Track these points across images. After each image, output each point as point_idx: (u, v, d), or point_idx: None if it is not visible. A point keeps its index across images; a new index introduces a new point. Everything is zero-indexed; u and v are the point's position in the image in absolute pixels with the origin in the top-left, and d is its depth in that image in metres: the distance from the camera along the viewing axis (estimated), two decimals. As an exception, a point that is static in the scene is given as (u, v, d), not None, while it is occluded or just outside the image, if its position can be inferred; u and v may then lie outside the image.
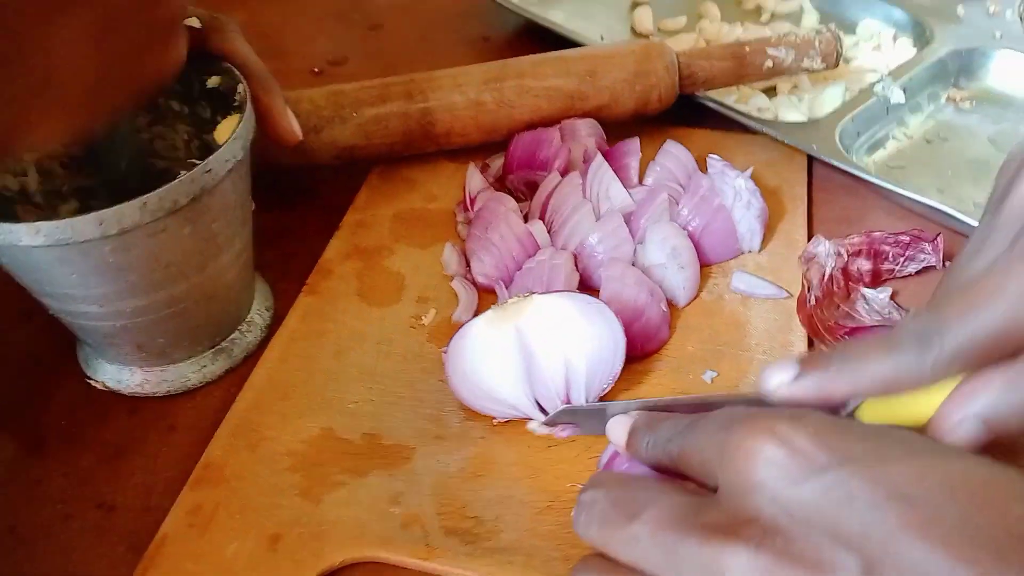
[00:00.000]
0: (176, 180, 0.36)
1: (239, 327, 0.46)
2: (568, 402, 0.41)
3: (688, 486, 0.29)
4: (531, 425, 0.40)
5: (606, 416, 0.37)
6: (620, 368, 0.41)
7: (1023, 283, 0.26)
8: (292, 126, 0.44)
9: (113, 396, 0.44)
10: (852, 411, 0.30)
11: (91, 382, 0.45)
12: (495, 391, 0.41)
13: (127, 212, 0.35)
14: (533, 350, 0.40)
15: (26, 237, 0.34)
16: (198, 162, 0.37)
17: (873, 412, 0.29)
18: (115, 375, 0.44)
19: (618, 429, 0.34)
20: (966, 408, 0.28)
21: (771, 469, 0.25)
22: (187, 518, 0.38)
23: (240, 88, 0.41)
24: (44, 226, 0.34)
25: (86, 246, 0.35)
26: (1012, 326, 0.26)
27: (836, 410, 0.30)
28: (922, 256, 0.48)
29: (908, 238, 0.48)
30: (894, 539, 0.23)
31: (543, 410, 0.41)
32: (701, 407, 0.33)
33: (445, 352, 0.42)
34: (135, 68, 0.30)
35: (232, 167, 0.38)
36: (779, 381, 0.29)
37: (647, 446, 0.32)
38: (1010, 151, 0.32)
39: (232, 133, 0.38)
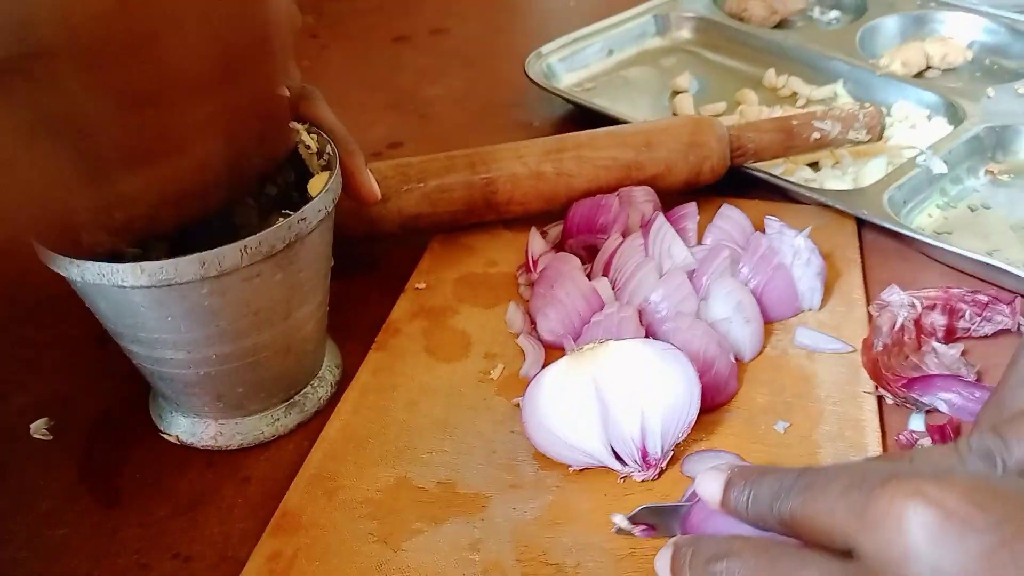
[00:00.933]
0: (275, 226, 0.37)
1: (311, 382, 0.47)
2: (644, 450, 0.41)
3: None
4: (615, 519, 0.37)
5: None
6: (695, 416, 0.41)
7: None
8: (372, 186, 0.46)
9: (187, 450, 0.45)
10: None
11: (165, 436, 0.45)
12: (571, 438, 0.41)
13: (227, 254, 0.36)
14: (608, 396, 0.41)
15: (130, 277, 0.36)
16: (290, 213, 0.39)
17: None
18: (189, 428, 0.45)
19: (711, 484, 0.32)
20: None
21: (926, 534, 0.24)
22: (267, 564, 0.38)
23: (329, 148, 0.43)
24: (148, 266, 0.36)
25: (185, 288, 0.37)
26: None
27: None
28: (999, 318, 0.48)
29: (986, 298, 0.48)
30: None
31: (619, 458, 0.41)
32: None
33: (520, 400, 0.42)
34: (255, 155, 0.31)
35: (322, 218, 0.40)
36: None
37: (748, 502, 0.30)
38: None
39: (324, 186, 0.40)
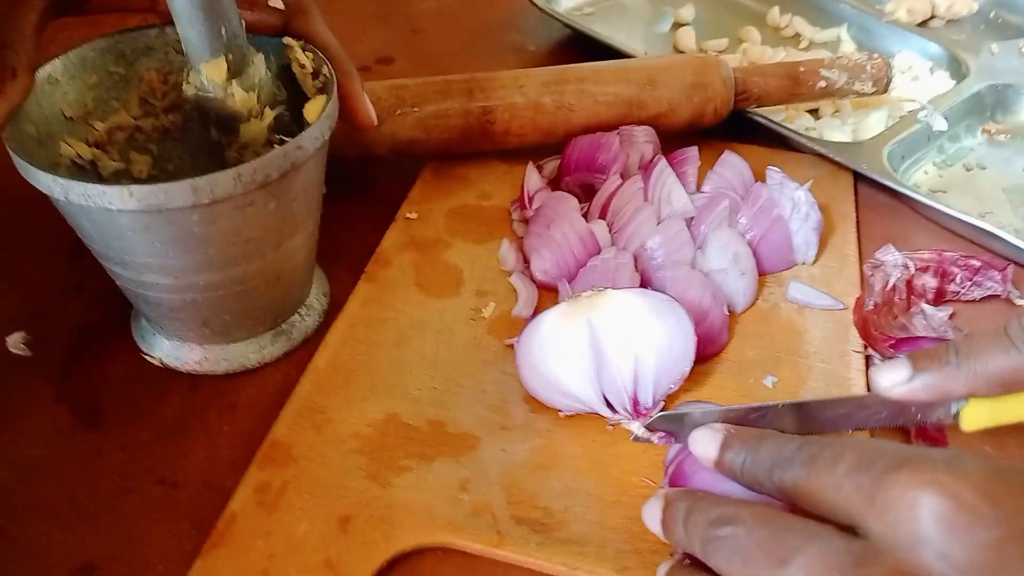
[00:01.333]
0: (270, 154, 0.36)
1: (298, 311, 0.46)
2: (636, 399, 0.41)
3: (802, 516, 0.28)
4: (632, 427, 0.39)
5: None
6: (689, 368, 0.41)
7: None
8: (369, 111, 0.44)
9: (171, 372, 0.44)
10: (956, 412, 0.30)
11: (148, 358, 0.44)
12: (563, 384, 0.41)
13: (220, 181, 0.35)
14: (604, 345, 0.41)
15: (117, 200, 0.34)
16: (287, 139, 0.37)
17: (977, 413, 0.30)
18: (173, 352, 0.44)
19: (706, 443, 0.32)
20: None
21: (938, 524, 0.24)
22: (255, 496, 0.37)
23: (325, 69, 0.41)
24: (137, 190, 0.34)
25: (175, 214, 0.35)
26: None
27: (940, 408, 0.30)
28: (989, 284, 0.49)
29: (979, 263, 0.49)
30: None
31: (610, 406, 0.41)
32: (802, 414, 0.33)
33: (515, 342, 0.42)
34: None
35: (319, 146, 0.38)
36: (894, 379, 0.29)
37: (744, 466, 0.31)
38: None
39: (321, 112, 0.38)
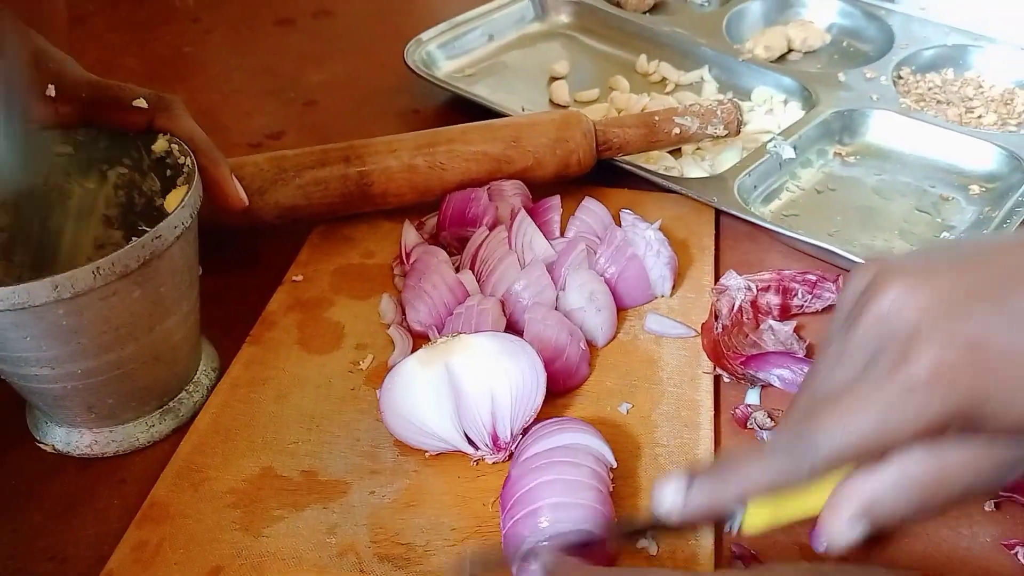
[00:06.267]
0: (127, 246, 0.39)
1: (186, 387, 0.48)
2: (495, 435, 0.44)
3: None
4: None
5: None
6: (541, 402, 0.44)
7: (883, 398, 0.29)
8: (239, 193, 0.47)
9: (64, 456, 0.46)
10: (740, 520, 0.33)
11: (41, 445, 0.46)
12: (427, 425, 0.44)
13: (80, 276, 0.38)
14: (461, 386, 0.44)
15: (-21, 302, 0.37)
16: (147, 229, 0.40)
17: (757, 517, 0.32)
18: (64, 437, 0.46)
19: None
20: (847, 510, 0.31)
21: None
22: (132, 554, 0.40)
23: (187, 160, 0.44)
24: (0, 291, 0.37)
25: (40, 310, 0.38)
26: (880, 434, 0.29)
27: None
28: (827, 295, 0.53)
29: (815, 277, 0.53)
30: None
31: (472, 442, 0.44)
32: None
33: (378, 391, 0.45)
34: None
35: (180, 234, 0.41)
36: (672, 500, 0.31)
37: None
38: (860, 265, 0.34)
39: (180, 202, 0.41)
